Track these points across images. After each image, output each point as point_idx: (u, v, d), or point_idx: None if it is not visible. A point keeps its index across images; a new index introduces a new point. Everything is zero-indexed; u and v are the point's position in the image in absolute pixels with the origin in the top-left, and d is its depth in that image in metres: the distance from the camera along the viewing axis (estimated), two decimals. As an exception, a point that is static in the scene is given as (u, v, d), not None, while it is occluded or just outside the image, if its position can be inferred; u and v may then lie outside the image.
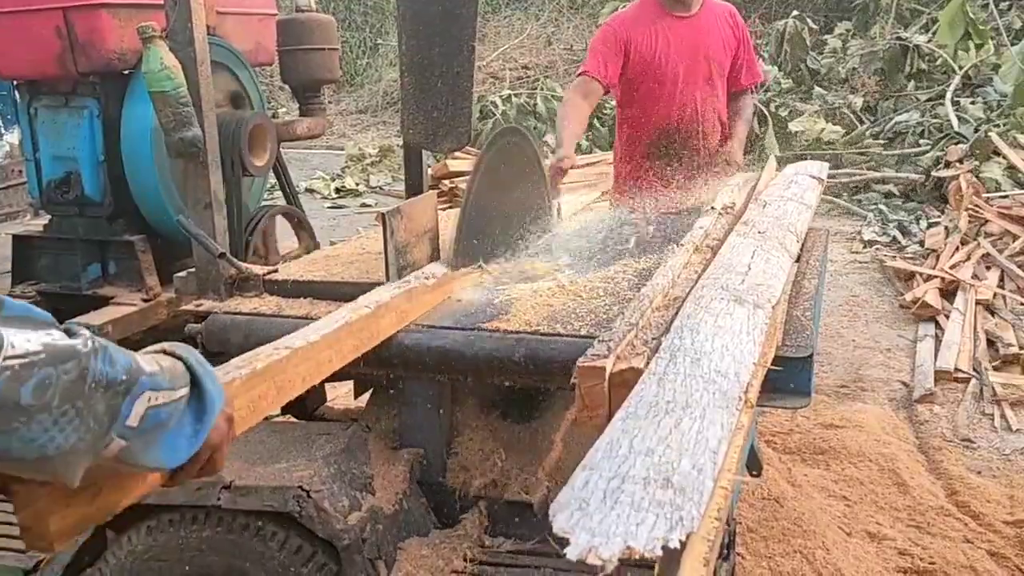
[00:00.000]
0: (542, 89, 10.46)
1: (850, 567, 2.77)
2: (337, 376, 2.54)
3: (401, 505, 1.93)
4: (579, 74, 3.37)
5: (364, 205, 8.86)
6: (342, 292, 2.11)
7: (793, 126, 8.95)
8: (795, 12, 10.39)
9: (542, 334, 1.89)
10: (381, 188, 9.52)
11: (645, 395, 1.22)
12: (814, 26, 10.41)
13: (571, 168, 3.00)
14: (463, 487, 2.02)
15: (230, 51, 2.70)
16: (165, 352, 1.12)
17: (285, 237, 3.28)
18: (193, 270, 2.24)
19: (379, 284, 2.10)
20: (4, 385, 0.84)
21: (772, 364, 1.63)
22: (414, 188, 3.10)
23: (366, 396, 2.26)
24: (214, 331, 2.06)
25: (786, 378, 1.69)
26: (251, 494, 1.77)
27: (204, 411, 1.10)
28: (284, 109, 11.86)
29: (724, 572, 2.15)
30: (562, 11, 15.59)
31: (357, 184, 9.61)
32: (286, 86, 5.60)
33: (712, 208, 2.66)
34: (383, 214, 1.93)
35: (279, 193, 3.51)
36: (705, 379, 1.27)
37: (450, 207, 3.92)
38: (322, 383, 2.62)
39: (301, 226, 2.71)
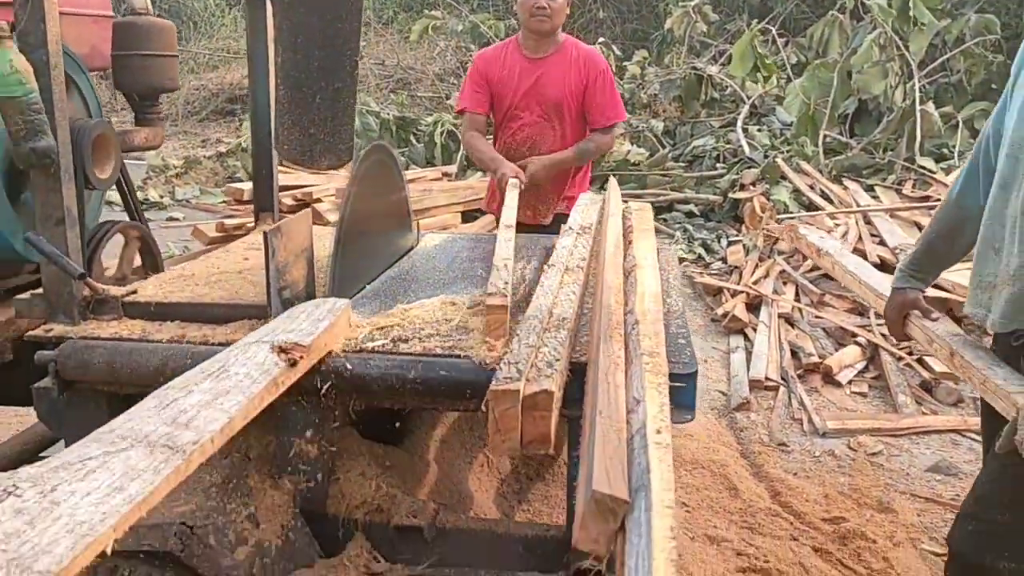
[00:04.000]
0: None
1: (697, 570, 2.92)
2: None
3: (287, 537, 1.85)
4: (458, 111, 3.80)
5: (171, 218, 8.38)
6: (215, 314, 2.01)
7: (602, 148, 9.36)
8: (601, 39, 10.86)
9: (435, 355, 1.87)
10: (188, 201, 9.05)
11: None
12: (619, 53, 10.92)
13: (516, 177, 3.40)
14: (347, 514, 1.96)
15: (68, 54, 2.48)
16: None
17: (110, 256, 3.04)
18: (39, 291, 2.05)
19: (254, 306, 2.01)
20: None
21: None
22: (263, 203, 3.00)
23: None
24: (71, 358, 1.89)
25: (673, 393, 1.77)
26: (126, 533, 1.65)
27: None
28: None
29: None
30: (370, 25, 15.48)
31: (161, 197, 9.09)
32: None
33: (571, 229, 2.75)
34: (265, 233, 1.85)
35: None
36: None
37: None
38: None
39: (146, 244, 2.54)
